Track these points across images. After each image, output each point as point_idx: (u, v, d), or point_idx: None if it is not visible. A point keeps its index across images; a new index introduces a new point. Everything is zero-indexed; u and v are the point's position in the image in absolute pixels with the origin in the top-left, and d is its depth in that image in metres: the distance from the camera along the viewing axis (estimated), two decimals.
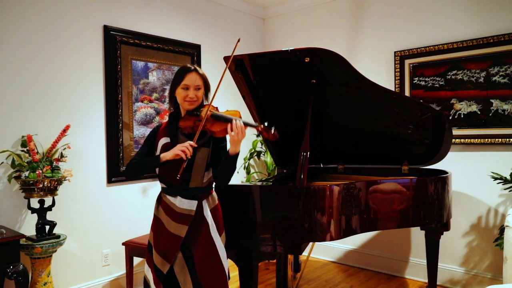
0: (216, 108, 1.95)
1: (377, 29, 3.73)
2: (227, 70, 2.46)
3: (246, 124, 1.79)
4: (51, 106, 2.87)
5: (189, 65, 1.94)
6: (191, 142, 1.79)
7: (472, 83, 3.19)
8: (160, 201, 1.98)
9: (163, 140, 1.93)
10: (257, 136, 1.85)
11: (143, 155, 1.98)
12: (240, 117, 1.88)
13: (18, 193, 2.69)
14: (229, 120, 1.82)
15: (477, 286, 3.21)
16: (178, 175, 1.77)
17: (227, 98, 4.06)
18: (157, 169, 1.94)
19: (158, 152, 1.94)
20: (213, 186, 2.03)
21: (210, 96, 1.99)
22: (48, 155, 2.68)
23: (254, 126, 1.79)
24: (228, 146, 1.88)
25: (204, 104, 1.98)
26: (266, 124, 1.82)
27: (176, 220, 1.87)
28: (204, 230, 1.89)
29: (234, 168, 1.89)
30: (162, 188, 1.98)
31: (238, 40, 1.97)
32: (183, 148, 1.77)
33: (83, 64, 3.06)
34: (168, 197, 1.92)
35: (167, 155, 1.82)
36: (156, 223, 1.95)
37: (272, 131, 1.79)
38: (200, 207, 1.90)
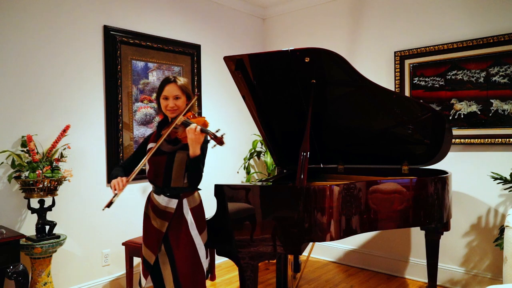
0: (194, 115, 2.06)
1: (377, 29, 3.73)
2: (228, 71, 2.48)
3: (202, 130, 1.90)
4: (51, 106, 2.87)
5: (170, 77, 2.08)
6: (124, 180, 1.94)
7: (472, 83, 3.19)
8: (149, 199, 2.14)
9: (150, 145, 2.11)
10: (213, 147, 1.96)
11: (128, 160, 2.21)
12: (205, 121, 1.99)
13: (18, 193, 2.69)
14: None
15: (477, 286, 3.21)
16: (103, 208, 1.94)
17: (227, 98, 4.06)
18: (146, 172, 2.11)
19: (147, 156, 2.07)
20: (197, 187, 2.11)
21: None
22: (48, 155, 2.68)
23: (208, 132, 1.91)
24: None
25: (186, 111, 2.10)
26: (218, 130, 1.94)
27: (159, 216, 2.04)
28: (183, 228, 2.02)
29: (197, 170, 1.98)
30: (152, 187, 2.14)
31: (197, 94, 2.10)
32: (114, 183, 1.94)
33: (83, 64, 3.06)
34: (155, 195, 2.09)
35: (111, 183, 2.00)
36: (145, 219, 2.13)
37: (219, 135, 1.90)
38: (180, 206, 2.03)
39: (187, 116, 2.03)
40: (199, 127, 1.89)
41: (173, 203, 2.02)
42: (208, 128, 1.96)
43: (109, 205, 1.91)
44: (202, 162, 2.03)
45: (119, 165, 2.21)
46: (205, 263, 2.06)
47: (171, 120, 2.08)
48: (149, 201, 2.13)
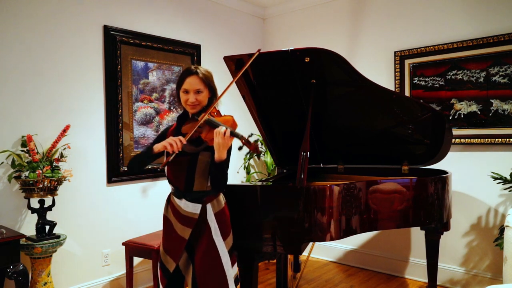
0: (218, 112, 1.93)
1: (377, 29, 3.73)
2: (228, 71, 2.48)
3: (232, 134, 1.75)
4: (51, 106, 2.87)
5: (192, 67, 1.90)
6: (182, 138, 1.78)
7: (472, 83, 3.19)
8: (169, 201, 2.00)
9: None
10: (239, 149, 1.84)
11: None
12: (234, 122, 1.85)
13: (18, 193, 2.69)
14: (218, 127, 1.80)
15: (477, 286, 3.21)
16: (160, 167, 1.81)
17: (227, 98, 4.06)
18: (165, 172, 1.96)
19: (165, 155, 1.94)
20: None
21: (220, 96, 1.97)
22: (48, 155, 2.68)
23: (239, 137, 1.76)
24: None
25: (208, 105, 1.95)
26: (250, 135, 1.82)
27: (181, 222, 1.89)
28: (206, 233, 1.88)
29: (222, 175, 1.85)
30: (171, 189, 2.00)
31: (258, 50, 1.95)
32: (172, 142, 1.76)
33: (83, 64, 3.06)
34: (175, 199, 1.94)
35: (158, 146, 1.84)
36: (165, 223, 1.98)
37: (253, 142, 1.78)
38: (204, 211, 1.89)
39: (211, 112, 1.85)
40: (228, 130, 1.72)
41: (196, 208, 1.86)
42: (238, 131, 1.78)
43: (165, 164, 1.79)
44: (227, 164, 1.86)
45: (137, 155, 2.00)
46: (230, 271, 1.89)
47: (191, 115, 1.92)
48: (169, 203, 1.97)
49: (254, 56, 1.93)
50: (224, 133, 1.72)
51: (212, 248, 1.87)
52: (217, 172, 1.84)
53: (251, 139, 1.80)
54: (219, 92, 1.99)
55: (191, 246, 1.90)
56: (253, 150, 1.76)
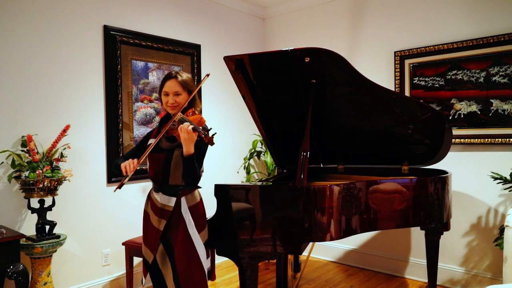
0: (193, 112, 2.04)
1: (377, 29, 3.74)
2: (228, 71, 2.48)
3: (194, 129, 1.87)
4: (51, 106, 2.87)
5: (172, 72, 2.06)
6: (135, 160, 1.95)
7: (472, 83, 3.19)
8: (149, 197, 2.14)
9: (150, 141, 2.10)
10: (198, 138, 1.92)
11: (130, 154, 2.18)
12: (201, 119, 1.98)
13: (18, 193, 2.69)
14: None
15: (477, 286, 3.21)
16: (115, 189, 2.01)
17: (227, 98, 4.06)
18: (148, 169, 2.11)
19: (147, 150, 2.06)
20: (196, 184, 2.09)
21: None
22: (48, 155, 2.68)
23: (198, 130, 1.88)
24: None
25: (188, 108, 2.08)
26: (209, 129, 1.93)
27: (157, 214, 2.03)
28: (181, 226, 2.00)
29: (192, 169, 1.93)
30: (152, 185, 2.14)
31: (207, 75, 2.09)
32: (125, 165, 1.94)
33: (83, 64, 3.06)
34: (154, 193, 2.08)
35: (121, 166, 1.98)
36: (144, 217, 2.13)
37: (210, 135, 1.88)
38: (178, 204, 2.01)
39: (187, 113, 2.01)
40: (191, 126, 1.86)
41: (171, 202, 2.00)
42: (201, 127, 1.93)
43: (120, 186, 1.91)
44: (199, 161, 1.99)
45: (121, 157, 2.18)
46: (205, 263, 2.03)
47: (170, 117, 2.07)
48: (149, 199, 2.12)
49: (204, 80, 2.08)
50: (187, 127, 1.84)
51: (187, 239, 1.99)
52: (187, 167, 1.93)
53: (211, 133, 1.88)
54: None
55: (168, 239, 2.01)
56: (208, 142, 1.87)
